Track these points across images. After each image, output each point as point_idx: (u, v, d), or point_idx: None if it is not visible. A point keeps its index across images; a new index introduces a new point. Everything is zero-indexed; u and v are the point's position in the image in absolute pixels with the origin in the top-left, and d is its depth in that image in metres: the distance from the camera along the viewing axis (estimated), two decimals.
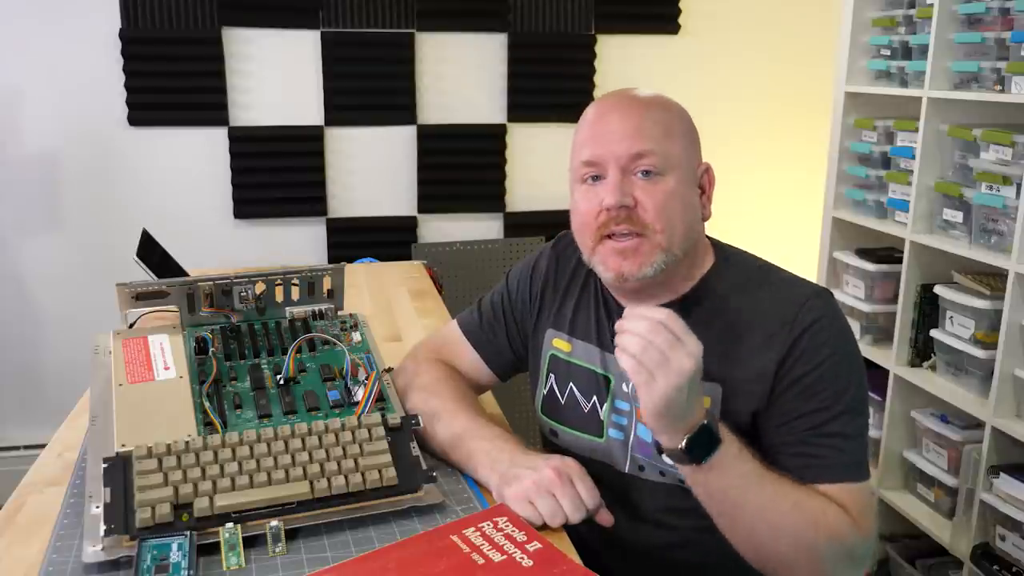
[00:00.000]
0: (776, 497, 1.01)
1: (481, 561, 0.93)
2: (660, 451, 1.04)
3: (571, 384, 1.25)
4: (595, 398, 1.22)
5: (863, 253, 2.39)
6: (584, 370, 1.24)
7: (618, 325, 1.01)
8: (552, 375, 1.28)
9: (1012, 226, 1.87)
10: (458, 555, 0.94)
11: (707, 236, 1.22)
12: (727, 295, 1.15)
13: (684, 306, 1.16)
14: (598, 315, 1.24)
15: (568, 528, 1.02)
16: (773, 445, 1.09)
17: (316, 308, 1.34)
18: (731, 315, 1.13)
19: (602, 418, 1.21)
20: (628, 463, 1.19)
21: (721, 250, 1.21)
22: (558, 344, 1.28)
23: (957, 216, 2.06)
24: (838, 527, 1.02)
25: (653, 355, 0.95)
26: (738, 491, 1.01)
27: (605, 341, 1.22)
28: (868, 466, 1.10)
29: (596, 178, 1.12)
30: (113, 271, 1.58)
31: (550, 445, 1.28)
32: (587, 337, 1.24)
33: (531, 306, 1.32)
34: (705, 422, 0.99)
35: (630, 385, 1.17)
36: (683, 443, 0.99)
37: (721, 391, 1.11)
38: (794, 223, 3.15)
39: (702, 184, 1.17)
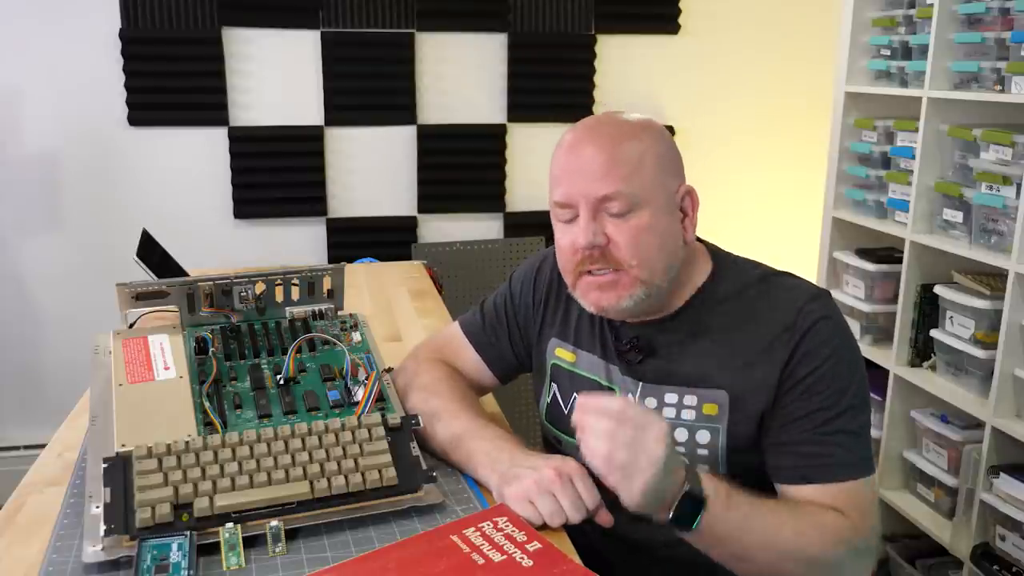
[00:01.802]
0: (775, 530, 1.02)
1: (481, 561, 0.93)
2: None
3: (575, 394, 1.24)
4: None
5: (863, 253, 2.39)
6: (588, 381, 1.24)
7: (576, 421, 0.98)
8: (555, 384, 1.28)
9: (1012, 226, 1.87)
10: (458, 555, 0.94)
11: (704, 242, 1.22)
12: (726, 301, 1.16)
13: (683, 316, 1.17)
14: (601, 326, 1.24)
15: (568, 528, 1.02)
16: (779, 443, 1.10)
17: (316, 308, 1.34)
18: (731, 321, 1.14)
19: None
20: None
21: (718, 256, 1.21)
22: (561, 354, 1.28)
23: (957, 216, 2.06)
24: (839, 532, 1.04)
25: (622, 455, 0.94)
26: (735, 541, 1.01)
27: (609, 352, 1.22)
28: (872, 460, 1.11)
29: (570, 217, 1.12)
30: (113, 271, 1.57)
31: (553, 450, 1.28)
32: (591, 348, 1.24)
33: (534, 312, 1.32)
34: (687, 488, 0.97)
35: (636, 396, 1.18)
36: (670, 517, 0.98)
37: (728, 397, 1.11)
38: (794, 223, 3.15)
39: (684, 208, 1.15)
